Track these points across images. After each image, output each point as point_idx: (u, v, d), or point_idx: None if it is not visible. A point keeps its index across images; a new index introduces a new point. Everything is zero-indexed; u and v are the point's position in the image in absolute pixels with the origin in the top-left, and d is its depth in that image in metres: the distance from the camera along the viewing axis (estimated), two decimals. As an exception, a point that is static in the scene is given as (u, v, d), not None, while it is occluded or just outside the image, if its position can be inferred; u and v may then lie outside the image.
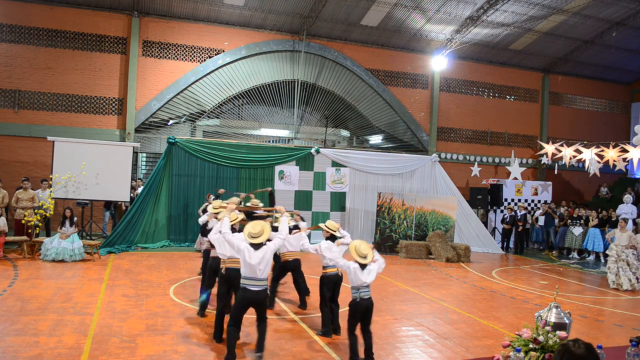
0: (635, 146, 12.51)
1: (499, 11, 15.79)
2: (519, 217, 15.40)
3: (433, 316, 7.67)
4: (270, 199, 10.96)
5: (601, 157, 13.84)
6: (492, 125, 19.18)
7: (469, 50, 17.77)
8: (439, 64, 17.14)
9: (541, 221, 16.07)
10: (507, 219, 15.44)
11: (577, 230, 14.84)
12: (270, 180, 14.19)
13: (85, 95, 14.46)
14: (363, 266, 5.53)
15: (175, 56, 15.22)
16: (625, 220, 11.60)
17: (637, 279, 10.60)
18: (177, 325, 6.56)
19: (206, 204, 10.75)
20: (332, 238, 6.52)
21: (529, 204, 17.27)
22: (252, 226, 5.38)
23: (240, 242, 5.36)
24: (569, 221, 15.15)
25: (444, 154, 18.10)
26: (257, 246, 5.27)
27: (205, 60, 15.43)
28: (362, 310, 5.49)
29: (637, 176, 20.07)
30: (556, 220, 15.86)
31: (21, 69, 13.92)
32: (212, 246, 6.73)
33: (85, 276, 9.20)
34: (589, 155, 14.00)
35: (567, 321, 4.24)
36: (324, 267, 6.54)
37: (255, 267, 5.21)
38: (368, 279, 5.54)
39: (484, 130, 19.08)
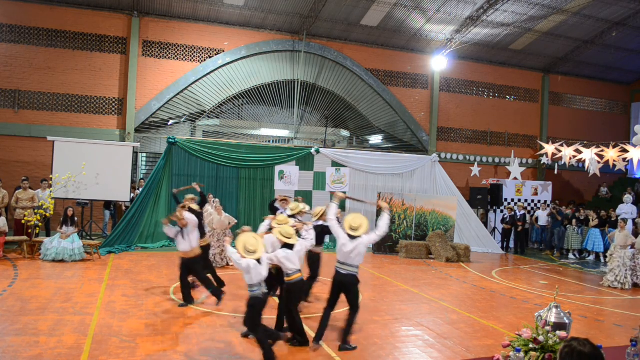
0: (635, 146, 12.51)
1: (499, 11, 15.78)
2: (518, 217, 15.40)
3: (433, 316, 7.67)
4: (201, 197, 10.92)
5: (601, 157, 13.84)
6: (492, 125, 19.18)
7: (469, 50, 17.77)
8: (439, 64, 17.14)
9: (542, 221, 16.06)
10: (507, 219, 15.44)
11: (579, 229, 14.84)
12: (270, 180, 14.20)
13: (85, 95, 14.46)
14: (258, 261, 5.45)
15: (175, 56, 15.22)
16: (625, 221, 11.60)
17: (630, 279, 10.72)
18: (177, 325, 6.56)
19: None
20: (287, 246, 5.94)
21: (529, 204, 17.27)
22: (352, 219, 6.09)
23: (341, 231, 6.06)
24: (574, 221, 15.12)
25: (444, 154, 18.10)
26: (353, 237, 5.95)
27: (205, 60, 15.43)
28: (264, 305, 5.53)
29: (637, 176, 20.06)
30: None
31: (21, 69, 13.91)
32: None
33: (85, 276, 9.20)
34: (589, 155, 14.00)
35: (567, 321, 4.25)
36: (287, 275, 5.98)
37: (348, 254, 5.93)
38: (264, 272, 5.49)
39: (484, 130, 19.08)
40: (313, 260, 7.87)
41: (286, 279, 5.95)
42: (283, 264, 5.85)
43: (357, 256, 5.99)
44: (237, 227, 13.73)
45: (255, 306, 5.41)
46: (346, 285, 6.00)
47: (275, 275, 6.50)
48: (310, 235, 6.69)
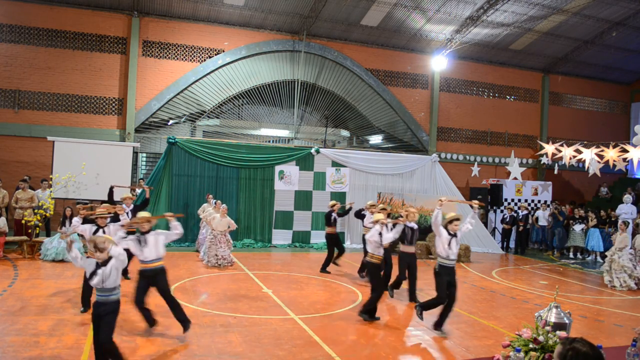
0: (635, 146, 12.50)
1: (499, 11, 15.78)
2: (520, 217, 15.39)
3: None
4: (109, 195, 10.88)
5: (601, 157, 13.82)
6: (492, 125, 19.18)
7: (469, 50, 17.77)
8: (439, 64, 17.14)
9: (542, 221, 16.05)
10: (508, 219, 15.43)
11: (578, 227, 14.83)
12: (270, 180, 14.20)
13: (85, 95, 14.46)
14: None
15: (175, 56, 15.22)
16: (626, 224, 11.54)
17: (635, 280, 10.67)
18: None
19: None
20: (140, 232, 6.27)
21: (529, 204, 17.27)
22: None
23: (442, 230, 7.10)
24: (571, 222, 15.12)
25: (444, 154, 18.10)
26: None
27: (205, 60, 15.43)
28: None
29: (637, 176, 20.06)
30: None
31: (21, 69, 13.92)
32: (402, 242, 8.54)
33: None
34: (589, 155, 13.98)
35: (567, 321, 4.25)
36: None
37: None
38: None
39: (484, 130, 19.08)
40: (403, 259, 8.72)
41: (141, 266, 6.10)
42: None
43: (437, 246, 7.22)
44: (237, 228, 13.82)
45: (117, 311, 4.96)
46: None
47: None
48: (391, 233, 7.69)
